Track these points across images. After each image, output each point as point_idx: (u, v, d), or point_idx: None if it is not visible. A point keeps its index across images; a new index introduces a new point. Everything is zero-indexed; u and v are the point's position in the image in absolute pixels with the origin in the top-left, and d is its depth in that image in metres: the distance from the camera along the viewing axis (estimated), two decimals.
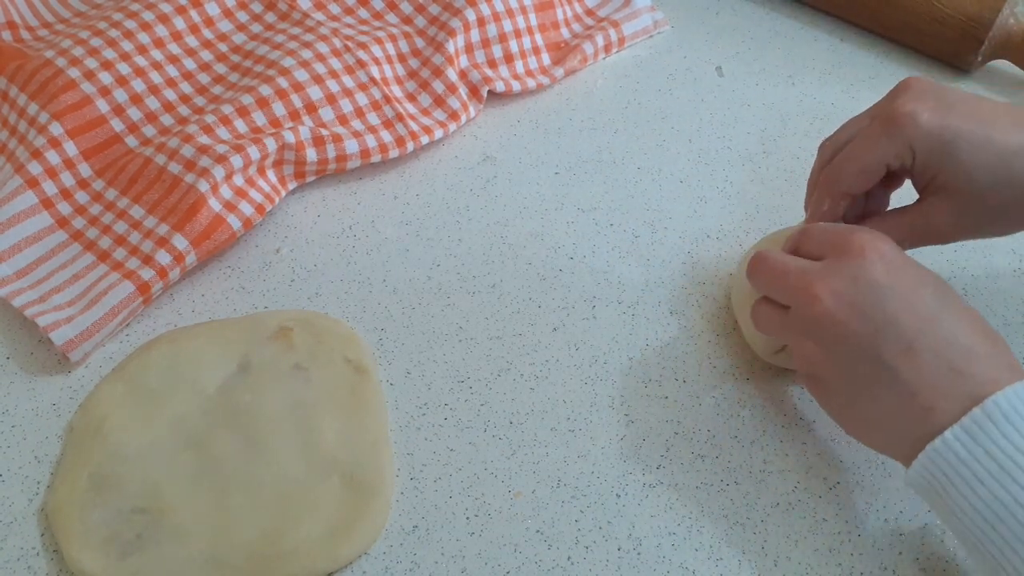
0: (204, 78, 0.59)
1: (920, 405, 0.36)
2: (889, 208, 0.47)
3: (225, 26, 0.62)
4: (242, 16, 0.63)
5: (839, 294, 0.37)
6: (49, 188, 0.52)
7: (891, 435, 0.38)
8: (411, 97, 0.61)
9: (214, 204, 0.51)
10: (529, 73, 0.64)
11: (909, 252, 0.41)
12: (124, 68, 0.56)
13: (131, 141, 0.55)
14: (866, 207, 0.46)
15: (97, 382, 0.47)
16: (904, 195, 0.46)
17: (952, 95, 0.43)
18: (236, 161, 0.52)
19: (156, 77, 0.57)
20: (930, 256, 0.53)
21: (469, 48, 0.62)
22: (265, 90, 0.56)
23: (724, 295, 0.52)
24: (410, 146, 0.57)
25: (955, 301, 0.38)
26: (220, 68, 0.60)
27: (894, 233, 0.44)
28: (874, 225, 0.44)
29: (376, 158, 0.57)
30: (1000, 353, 0.36)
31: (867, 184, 0.44)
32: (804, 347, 0.39)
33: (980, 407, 0.34)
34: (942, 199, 0.43)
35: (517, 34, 0.63)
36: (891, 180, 0.45)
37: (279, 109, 0.56)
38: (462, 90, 0.61)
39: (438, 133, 0.59)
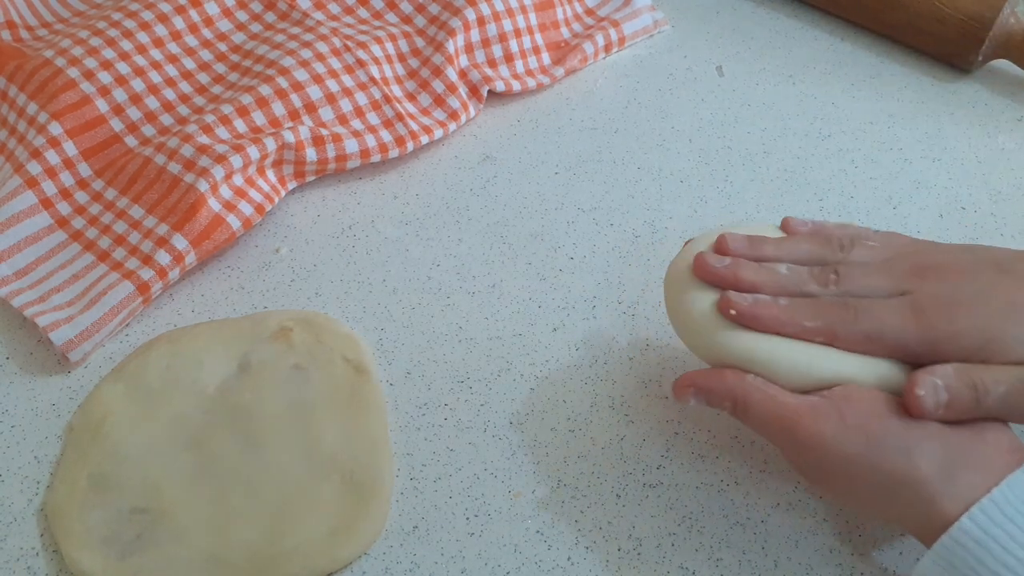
0: (204, 78, 0.59)
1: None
2: None
3: (224, 25, 0.62)
4: (241, 15, 0.63)
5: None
6: (48, 188, 0.52)
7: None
8: (411, 97, 0.61)
9: (214, 204, 0.51)
10: (529, 73, 0.64)
11: None
12: (123, 68, 0.56)
13: (131, 141, 0.55)
14: None
15: (97, 382, 0.47)
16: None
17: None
18: (236, 161, 0.52)
19: (155, 77, 0.57)
20: None
21: (469, 48, 0.62)
22: (265, 90, 0.56)
23: None
24: (410, 146, 0.57)
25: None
26: (220, 68, 0.60)
27: None
28: None
29: (376, 158, 0.57)
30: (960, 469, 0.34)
31: None
32: None
33: (948, 535, 0.33)
34: None
35: (517, 33, 0.63)
36: None
37: (279, 109, 0.56)
38: (462, 90, 0.61)
39: (438, 133, 0.59)
